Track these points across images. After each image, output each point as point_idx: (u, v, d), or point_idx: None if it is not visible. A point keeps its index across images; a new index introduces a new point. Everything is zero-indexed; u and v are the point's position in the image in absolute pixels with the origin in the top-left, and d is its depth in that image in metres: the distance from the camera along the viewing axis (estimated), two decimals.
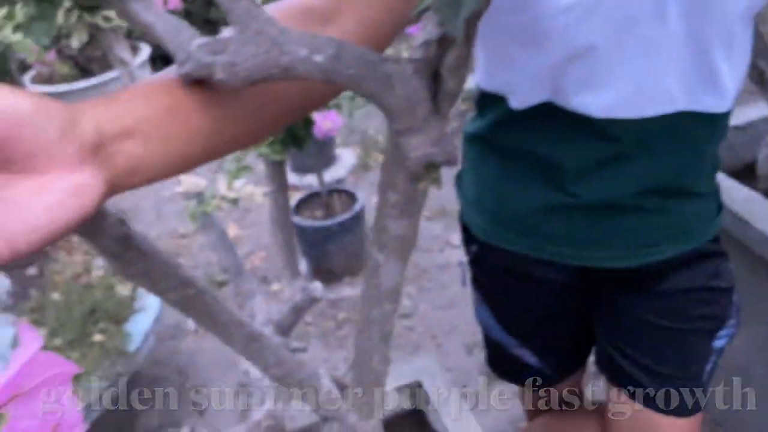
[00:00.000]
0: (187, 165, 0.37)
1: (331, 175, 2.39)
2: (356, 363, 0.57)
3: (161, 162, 0.34)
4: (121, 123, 0.32)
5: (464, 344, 1.73)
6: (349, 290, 1.93)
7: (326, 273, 1.94)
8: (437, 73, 0.36)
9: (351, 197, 1.98)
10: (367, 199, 2.19)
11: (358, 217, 1.90)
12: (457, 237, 2.17)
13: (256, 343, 0.54)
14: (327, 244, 1.87)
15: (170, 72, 0.37)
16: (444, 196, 2.02)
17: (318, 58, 0.34)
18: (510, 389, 1.55)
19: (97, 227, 0.42)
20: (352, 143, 2.82)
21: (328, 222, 1.84)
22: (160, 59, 2.77)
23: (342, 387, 0.62)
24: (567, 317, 0.80)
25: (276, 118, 0.42)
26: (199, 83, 0.36)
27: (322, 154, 2.36)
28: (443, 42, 0.34)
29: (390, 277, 0.49)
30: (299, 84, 0.40)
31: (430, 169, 0.39)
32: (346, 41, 0.34)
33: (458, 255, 2.07)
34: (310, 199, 1.98)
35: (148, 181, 0.35)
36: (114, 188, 0.32)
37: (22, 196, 0.28)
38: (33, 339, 0.19)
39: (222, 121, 0.37)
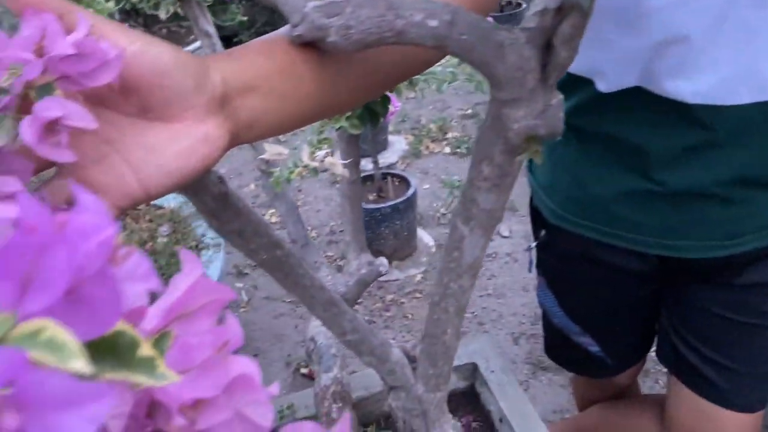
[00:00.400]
0: (295, 124, 0.38)
1: (382, 160, 2.40)
2: (428, 335, 0.58)
3: (275, 119, 0.36)
4: (244, 78, 0.33)
5: (510, 333, 1.72)
6: (398, 273, 1.94)
7: (376, 255, 1.95)
8: (549, 44, 0.36)
9: (404, 182, 1.99)
10: (419, 185, 2.19)
11: (411, 202, 1.91)
12: (506, 227, 2.15)
13: (335, 308, 0.55)
14: (379, 227, 1.88)
15: (281, 34, 0.38)
16: None
17: (433, 23, 0.34)
18: (556, 379, 1.55)
19: (199, 183, 0.44)
20: (404, 130, 2.82)
21: (381, 205, 1.86)
22: (221, 40, 2.83)
23: (411, 358, 0.63)
24: (635, 306, 0.79)
25: (377, 85, 0.43)
26: (309, 46, 0.37)
27: (375, 139, 2.38)
28: (561, 11, 0.34)
29: (472, 251, 0.50)
30: (402, 51, 0.41)
31: (532, 141, 0.39)
32: (460, 7, 0.35)
33: (507, 245, 2.05)
34: (363, 182, 2.00)
35: (261, 136, 0.36)
36: (233, 141, 0.34)
37: (157, 142, 0.30)
38: (195, 265, 0.20)
39: (330, 84, 0.38)
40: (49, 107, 0.24)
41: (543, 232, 0.77)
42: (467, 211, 0.47)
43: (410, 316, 1.82)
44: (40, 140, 0.24)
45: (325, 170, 0.72)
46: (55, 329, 0.12)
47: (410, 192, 1.90)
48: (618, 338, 0.82)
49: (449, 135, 2.75)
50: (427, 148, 2.68)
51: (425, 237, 2.09)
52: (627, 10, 0.53)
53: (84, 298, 0.13)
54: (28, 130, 0.23)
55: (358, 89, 0.41)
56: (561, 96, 0.37)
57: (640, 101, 0.58)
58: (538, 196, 0.75)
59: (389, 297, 1.88)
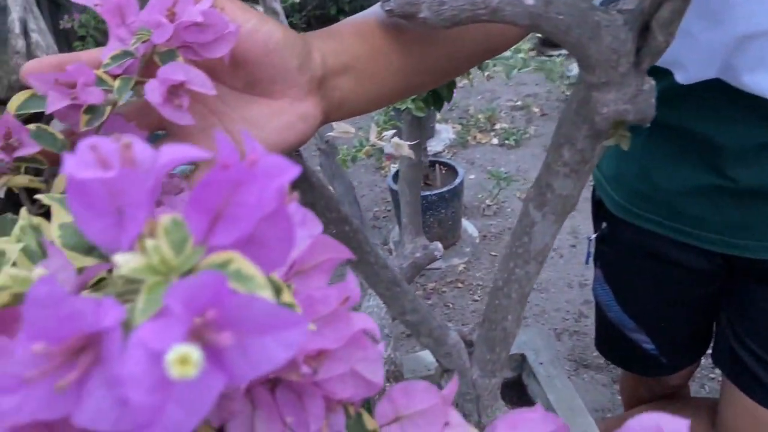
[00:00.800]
0: (378, 105, 0.39)
1: (428, 148, 2.39)
2: (487, 320, 0.58)
3: (363, 99, 0.36)
4: (340, 59, 0.34)
5: (553, 329, 1.70)
6: (440, 262, 1.94)
7: None
8: (646, 27, 0.35)
9: (451, 170, 1.98)
10: (464, 175, 2.18)
11: (457, 191, 1.90)
12: None
13: (397, 287, 0.56)
14: (424, 215, 1.88)
15: (371, 15, 0.39)
16: None
17: (529, 1, 0.34)
18: (599, 377, 1.53)
19: None
20: (451, 119, 2.81)
21: (428, 192, 1.85)
22: None
23: (467, 343, 0.64)
24: (694, 305, 0.77)
25: (458, 65, 0.43)
26: (397, 27, 0.37)
27: (423, 126, 2.37)
28: None
29: (542, 237, 0.50)
30: (486, 30, 0.41)
31: (619, 126, 0.38)
32: None
33: None
34: None
35: (347, 116, 0.37)
36: (324, 119, 0.35)
37: (259, 116, 0.31)
38: (315, 223, 0.21)
39: (416, 66, 0.39)
40: (175, 71, 0.25)
41: (604, 225, 0.76)
42: (541, 197, 0.47)
43: (451, 306, 1.82)
44: (165, 102, 0.25)
45: (370, 153, 0.72)
46: (242, 261, 0.13)
47: (457, 181, 1.89)
48: (674, 337, 0.81)
49: (497, 126, 2.72)
50: (474, 138, 2.66)
51: (469, 227, 2.08)
52: (711, 2, 0.52)
53: (259, 236, 0.14)
54: (154, 92, 0.25)
55: (440, 70, 0.41)
56: (653, 82, 0.36)
57: (718, 94, 0.57)
58: (601, 187, 0.74)
59: (430, 285, 1.89)
